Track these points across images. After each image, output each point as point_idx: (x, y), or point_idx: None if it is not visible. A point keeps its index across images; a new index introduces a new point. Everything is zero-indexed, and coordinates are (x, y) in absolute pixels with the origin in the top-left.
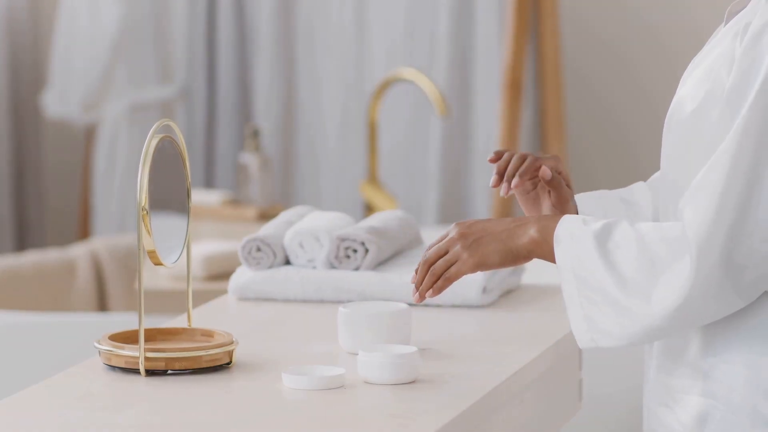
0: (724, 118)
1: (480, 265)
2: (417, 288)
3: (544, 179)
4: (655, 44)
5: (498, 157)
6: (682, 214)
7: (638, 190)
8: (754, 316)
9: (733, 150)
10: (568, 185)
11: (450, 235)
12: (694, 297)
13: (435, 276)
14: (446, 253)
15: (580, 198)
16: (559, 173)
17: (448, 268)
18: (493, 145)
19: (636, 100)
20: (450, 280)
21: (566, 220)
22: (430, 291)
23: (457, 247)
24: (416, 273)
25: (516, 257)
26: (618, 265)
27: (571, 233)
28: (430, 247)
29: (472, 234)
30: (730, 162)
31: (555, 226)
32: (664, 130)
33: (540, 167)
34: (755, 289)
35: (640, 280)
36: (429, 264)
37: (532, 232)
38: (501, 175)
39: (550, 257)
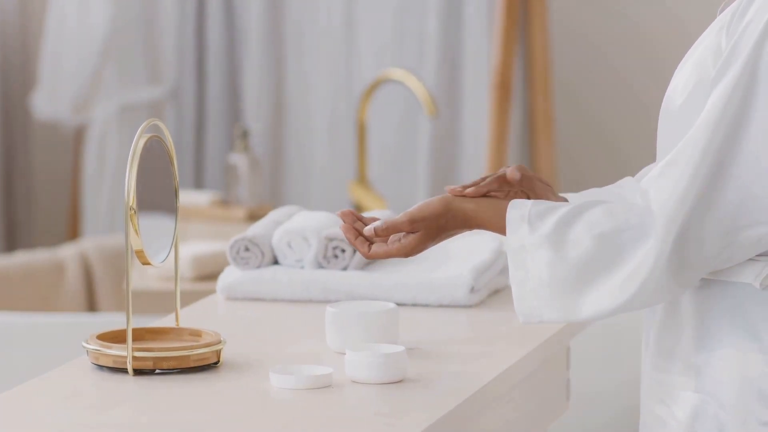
0: None
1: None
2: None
3: (513, 181)
4: (643, 45)
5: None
6: (647, 190)
7: (628, 186)
8: (744, 311)
9: (709, 131)
10: (541, 181)
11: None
12: (653, 276)
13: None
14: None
15: (569, 198)
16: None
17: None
18: (482, 145)
19: (624, 101)
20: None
21: (512, 226)
22: (366, 230)
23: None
24: (375, 232)
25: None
26: (575, 262)
27: (521, 243)
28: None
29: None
30: (702, 144)
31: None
32: (659, 124)
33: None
34: (698, 275)
35: (598, 273)
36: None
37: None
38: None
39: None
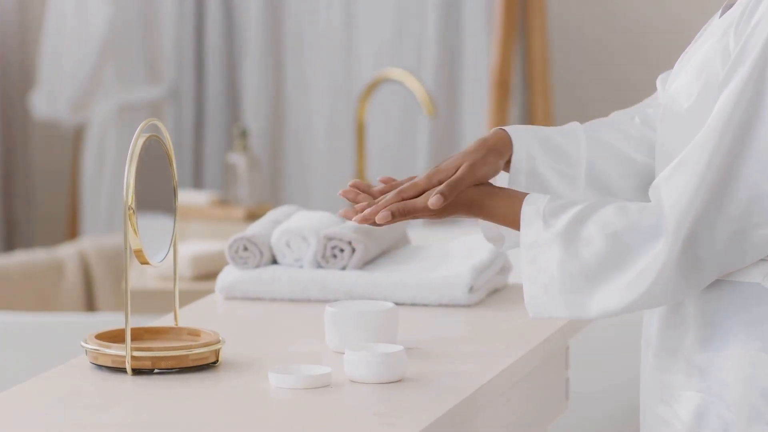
0: None
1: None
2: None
3: (437, 208)
4: (642, 44)
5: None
6: (658, 190)
7: (574, 142)
8: (751, 311)
9: (719, 131)
10: (470, 166)
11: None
12: (663, 276)
13: (400, 215)
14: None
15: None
16: (441, 182)
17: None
18: None
19: (623, 100)
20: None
21: (526, 221)
22: (381, 217)
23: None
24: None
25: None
26: (586, 260)
27: (535, 239)
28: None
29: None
30: (713, 143)
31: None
32: (660, 124)
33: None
34: (710, 276)
35: (609, 272)
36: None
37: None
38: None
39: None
